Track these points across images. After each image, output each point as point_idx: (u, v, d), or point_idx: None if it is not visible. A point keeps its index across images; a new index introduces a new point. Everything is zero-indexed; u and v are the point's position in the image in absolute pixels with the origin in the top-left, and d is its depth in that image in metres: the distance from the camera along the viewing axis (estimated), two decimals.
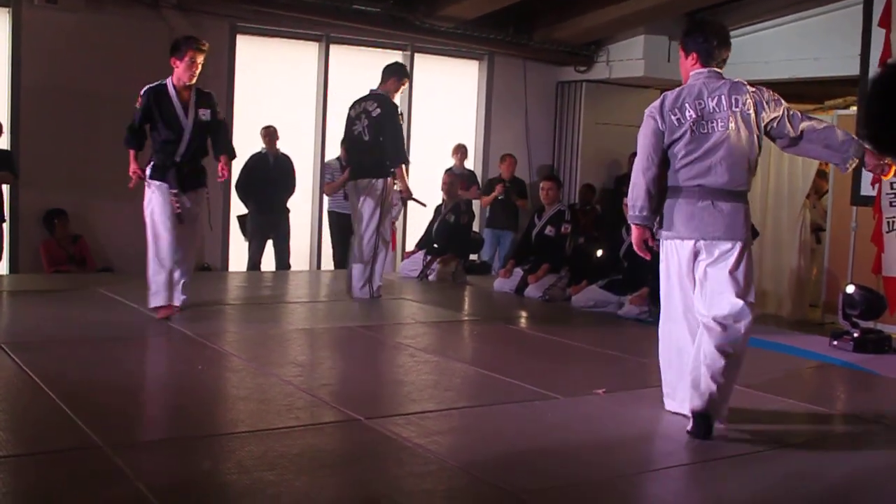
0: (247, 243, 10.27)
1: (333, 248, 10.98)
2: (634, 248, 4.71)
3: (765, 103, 4.54)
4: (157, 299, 6.72)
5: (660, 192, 4.56)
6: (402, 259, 10.88)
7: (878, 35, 8.68)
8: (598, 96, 12.46)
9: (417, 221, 11.36)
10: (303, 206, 10.99)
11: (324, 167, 11.00)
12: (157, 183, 6.71)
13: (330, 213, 10.86)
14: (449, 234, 10.35)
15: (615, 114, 12.54)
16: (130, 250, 9.99)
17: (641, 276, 8.46)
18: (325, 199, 10.97)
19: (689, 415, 4.46)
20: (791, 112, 4.60)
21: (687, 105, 4.47)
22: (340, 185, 10.49)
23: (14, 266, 9.54)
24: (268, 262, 10.36)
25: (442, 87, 11.96)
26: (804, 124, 4.56)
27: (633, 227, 4.63)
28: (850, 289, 7.60)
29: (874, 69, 8.73)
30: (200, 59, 6.70)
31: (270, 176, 10.17)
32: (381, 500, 3.58)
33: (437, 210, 10.64)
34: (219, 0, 10.00)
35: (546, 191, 9.65)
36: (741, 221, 4.50)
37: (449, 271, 10.05)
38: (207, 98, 6.90)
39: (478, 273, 10.65)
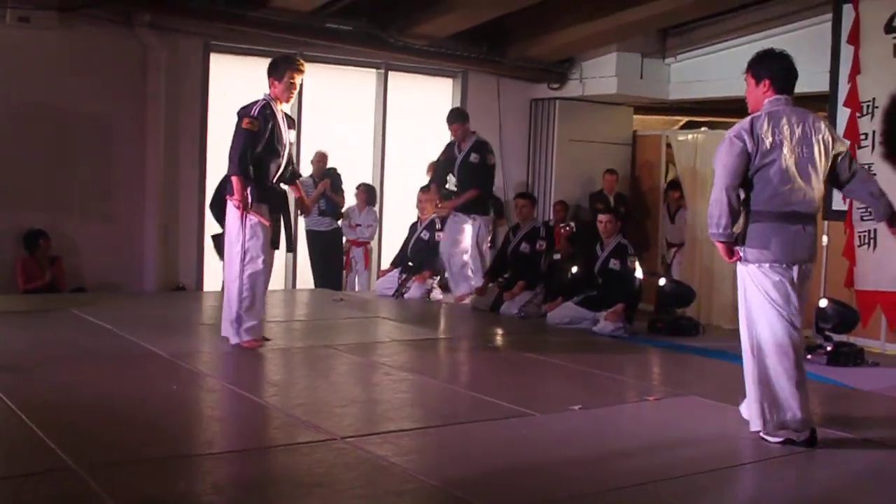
0: (221, 263, 10.21)
1: (312, 266, 10.96)
2: (724, 257, 4.77)
3: (836, 136, 4.82)
4: (251, 333, 6.52)
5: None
6: (378, 277, 10.86)
7: (847, 52, 8.77)
8: (571, 113, 12.50)
9: (392, 239, 11.36)
10: None
11: None
12: (259, 207, 6.40)
13: (307, 231, 10.83)
14: (424, 252, 10.36)
15: (588, 131, 12.60)
16: (103, 270, 9.97)
17: (616, 293, 8.51)
18: (301, 218, 10.94)
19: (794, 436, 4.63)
20: (849, 151, 4.91)
21: (777, 130, 4.58)
22: (314, 202, 10.49)
23: None
24: None
25: (416, 105, 11.98)
26: (856, 166, 4.87)
27: (717, 243, 4.71)
28: (823, 303, 7.66)
29: (843, 84, 8.81)
30: (299, 79, 6.56)
31: None
32: None
33: (412, 228, 10.63)
34: (192, 18, 9.97)
35: (520, 208, 9.70)
36: (816, 243, 4.78)
37: (427, 289, 10.08)
38: (292, 120, 6.73)
39: None
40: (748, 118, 4.69)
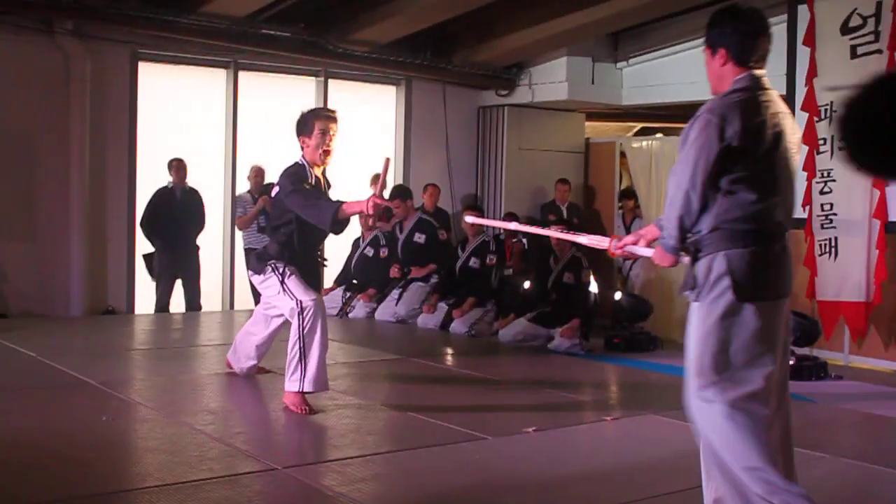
0: (154, 283, 10.14)
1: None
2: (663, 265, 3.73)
3: None
4: (318, 385, 5.76)
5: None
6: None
7: (803, 53, 8.93)
8: (521, 121, 12.56)
9: (334, 257, 11.31)
10: (214, 243, 10.86)
11: (235, 200, 10.90)
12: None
13: (246, 250, 10.74)
14: (369, 269, 10.34)
15: (539, 139, 12.66)
16: (27, 294, 9.83)
17: (571, 308, 8.56)
18: (238, 234, 10.87)
19: None
20: None
21: (753, 125, 3.57)
22: (253, 219, 10.42)
23: None
24: (177, 303, 10.23)
25: (358, 114, 11.96)
26: None
27: (664, 252, 3.65)
28: None
29: (801, 87, 8.97)
30: (334, 127, 6.18)
31: (177, 211, 10.05)
32: None
33: (356, 244, 10.61)
34: (118, 25, 9.89)
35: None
36: None
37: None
38: (328, 185, 6.55)
39: None
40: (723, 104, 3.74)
